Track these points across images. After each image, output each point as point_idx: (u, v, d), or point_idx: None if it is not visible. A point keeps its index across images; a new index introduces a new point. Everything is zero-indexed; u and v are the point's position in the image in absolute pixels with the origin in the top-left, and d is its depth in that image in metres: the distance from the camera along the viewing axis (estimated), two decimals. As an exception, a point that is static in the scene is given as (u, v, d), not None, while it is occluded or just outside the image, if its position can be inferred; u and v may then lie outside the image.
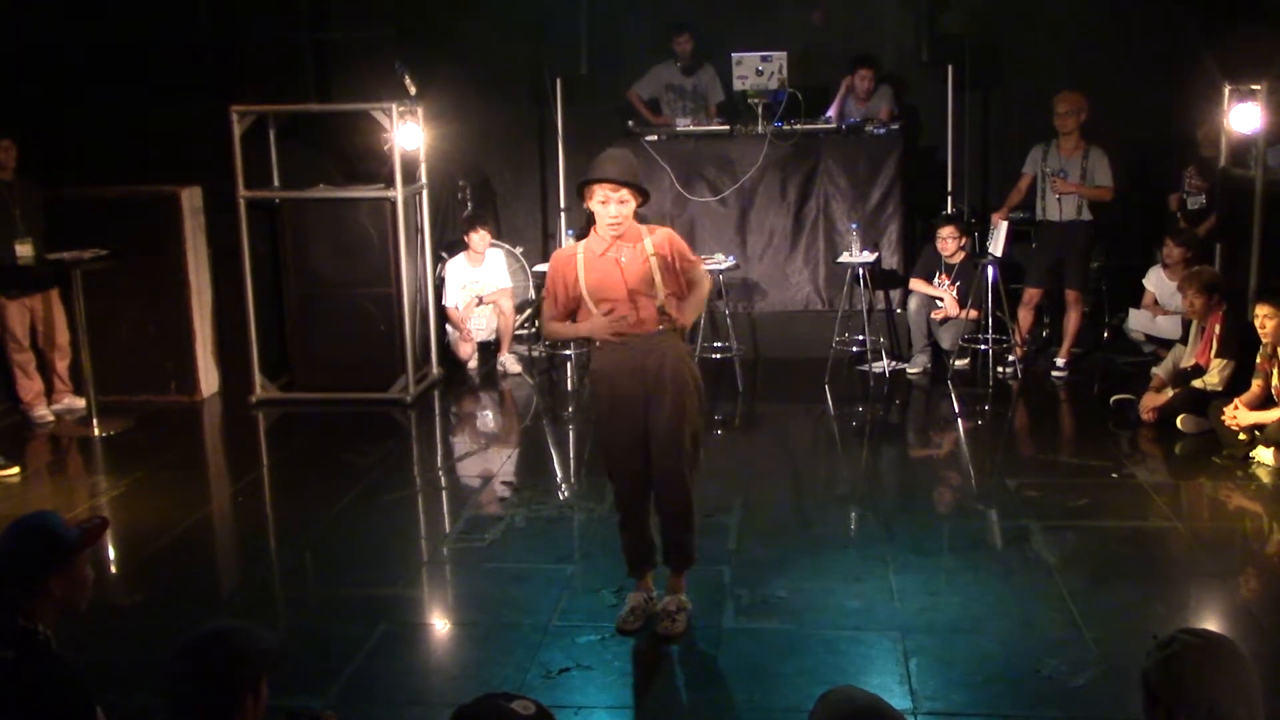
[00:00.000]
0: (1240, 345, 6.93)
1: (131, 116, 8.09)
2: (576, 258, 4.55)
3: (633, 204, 4.47)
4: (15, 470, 6.86)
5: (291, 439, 7.83)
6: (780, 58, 9.02)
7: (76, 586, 3.10)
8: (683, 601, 4.71)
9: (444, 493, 6.72)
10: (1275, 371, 6.60)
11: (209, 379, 8.46)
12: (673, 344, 4.53)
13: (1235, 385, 6.88)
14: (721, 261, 8.76)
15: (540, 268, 9.64)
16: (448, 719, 2.20)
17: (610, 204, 4.42)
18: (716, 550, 5.50)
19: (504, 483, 6.72)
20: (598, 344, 4.56)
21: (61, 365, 8.02)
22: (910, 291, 8.80)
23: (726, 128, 9.25)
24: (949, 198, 9.49)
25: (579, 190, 4.54)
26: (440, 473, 7.16)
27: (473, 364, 9.18)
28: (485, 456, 7.45)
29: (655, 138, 9.26)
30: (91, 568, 3.19)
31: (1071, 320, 8.52)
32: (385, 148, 8.08)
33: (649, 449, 4.53)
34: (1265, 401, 6.62)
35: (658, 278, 4.47)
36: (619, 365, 4.50)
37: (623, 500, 4.71)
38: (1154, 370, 7.54)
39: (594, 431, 4.77)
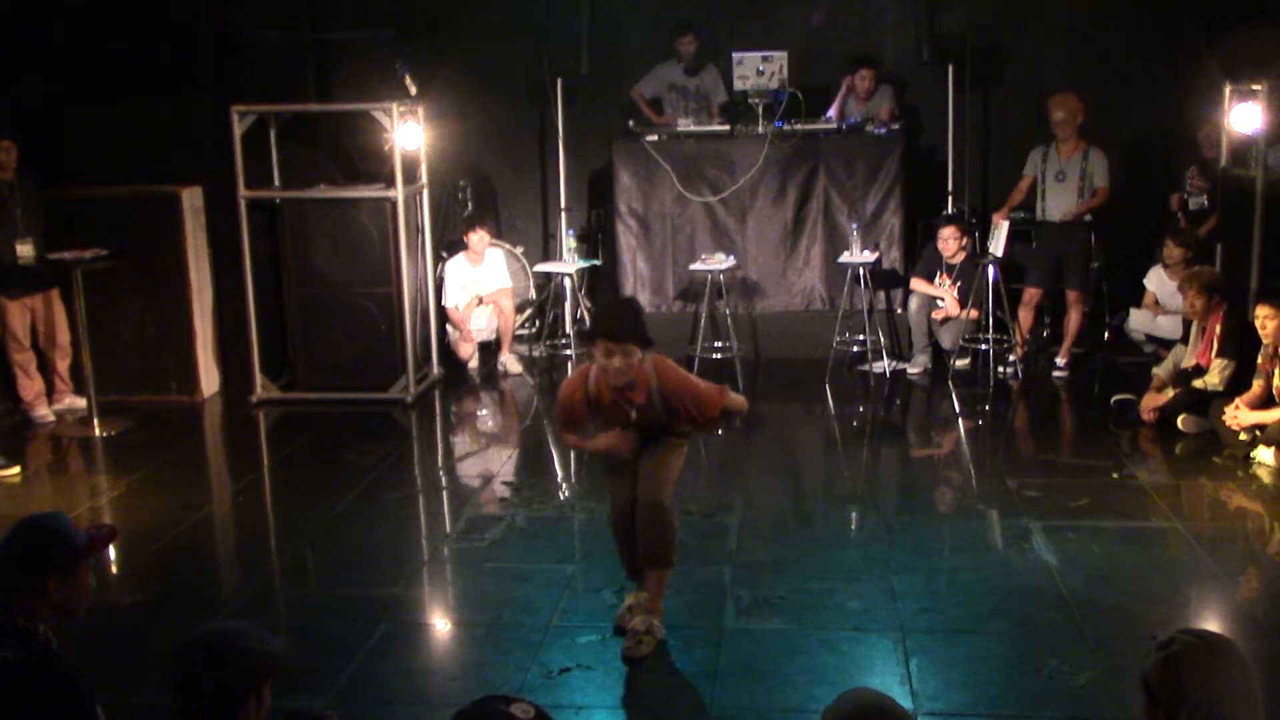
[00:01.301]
0: (1241, 345, 6.93)
1: (132, 116, 8.08)
2: (584, 402, 4.47)
3: (637, 355, 4.31)
4: (16, 470, 6.86)
5: (292, 439, 7.83)
6: (781, 58, 9.03)
7: (76, 592, 3.09)
8: (653, 625, 4.56)
9: (444, 493, 6.73)
10: (1276, 372, 6.60)
11: (209, 379, 8.46)
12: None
13: (1236, 385, 6.87)
14: (722, 261, 8.77)
15: (541, 267, 9.67)
16: None
17: (615, 356, 4.27)
18: (717, 550, 5.52)
19: (504, 483, 6.72)
20: None
21: (62, 365, 8.02)
22: (911, 291, 8.80)
23: (727, 127, 9.25)
24: (949, 197, 9.49)
25: (586, 341, 4.49)
26: (441, 473, 7.17)
27: (473, 364, 9.18)
28: (486, 456, 7.46)
29: (655, 137, 9.25)
30: (94, 575, 3.18)
31: (1072, 320, 8.53)
32: (386, 148, 8.08)
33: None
34: (1266, 401, 6.62)
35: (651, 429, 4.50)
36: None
37: (614, 516, 4.73)
38: (1155, 370, 7.54)
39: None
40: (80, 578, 3.10)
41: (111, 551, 5.70)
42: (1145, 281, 8.79)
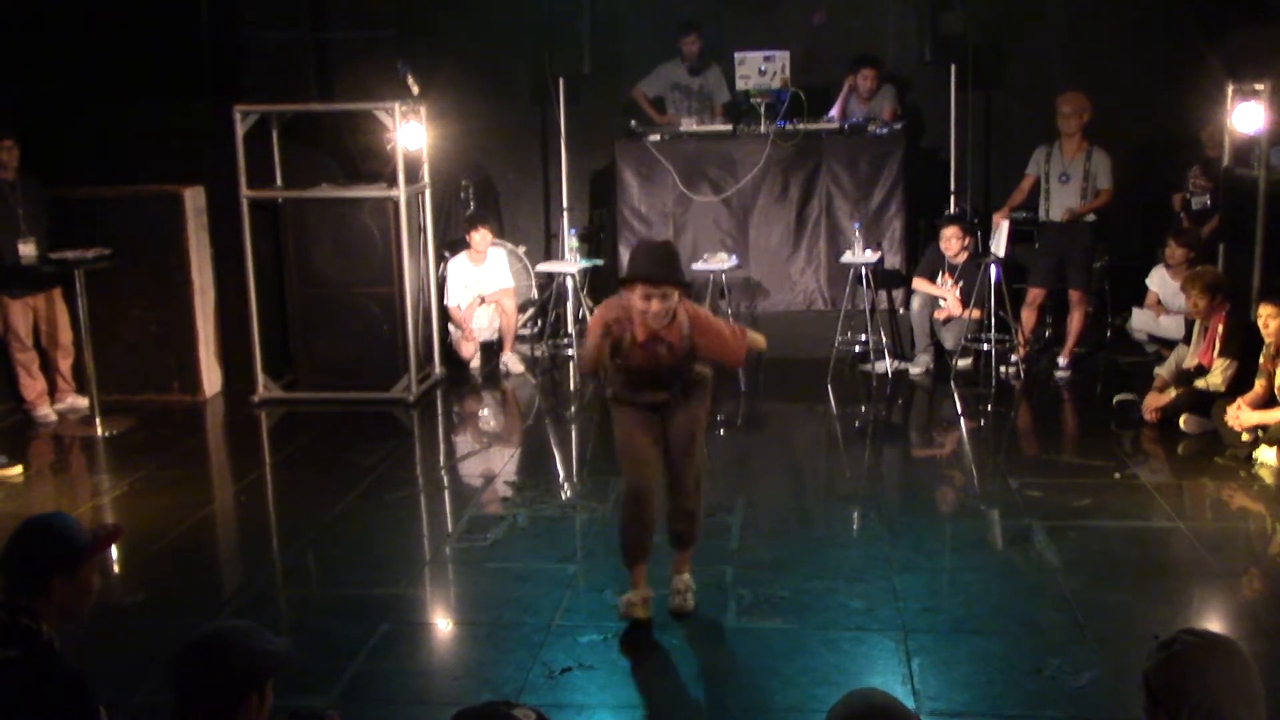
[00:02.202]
0: (1243, 345, 6.92)
1: (134, 116, 8.09)
2: (629, 328, 4.47)
3: (675, 297, 4.38)
4: (18, 470, 6.87)
5: (294, 438, 7.83)
6: (783, 57, 9.03)
7: (80, 593, 3.08)
8: (689, 582, 4.88)
9: (446, 492, 6.73)
10: (1278, 372, 6.60)
11: (212, 378, 8.47)
12: (682, 397, 4.67)
13: (1238, 385, 6.87)
14: (724, 261, 8.76)
15: (543, 267, 9.67)
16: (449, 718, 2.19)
17: (653, 300, 4.33)
18: (719, 550, 5.51)
19: (506, 482, 6.73)
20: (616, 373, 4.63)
21: (64, 365, 8.03)
22: (913, 291, 8.80)
23: (729, 127, 9.25)
24: (952, 197, 9.48)
25: (620, 285, 4.47)
26: (443, 472, 7.16)
27: (475, 363, 9.18)
28: (487, 456, 7.46)
29: (658, 137, 9.25)
30: (99, 577, 3.18)
31: (1074, 320, 8.52)
32: (388, 147, 8.08)
33: (664, 452, 4.70)
34: (1268, 401, 6.61)
35: (684, 365, 4.57)
36: (635, 408, 4.64)
37: (635, 499, 4.69)
38: (1157, 370, 7.54)
39: (613, 437, 4.81)
40: (85, 578, 3.09)
41: (113, 551, 5.71)
42: (1147, 281, 8.78)
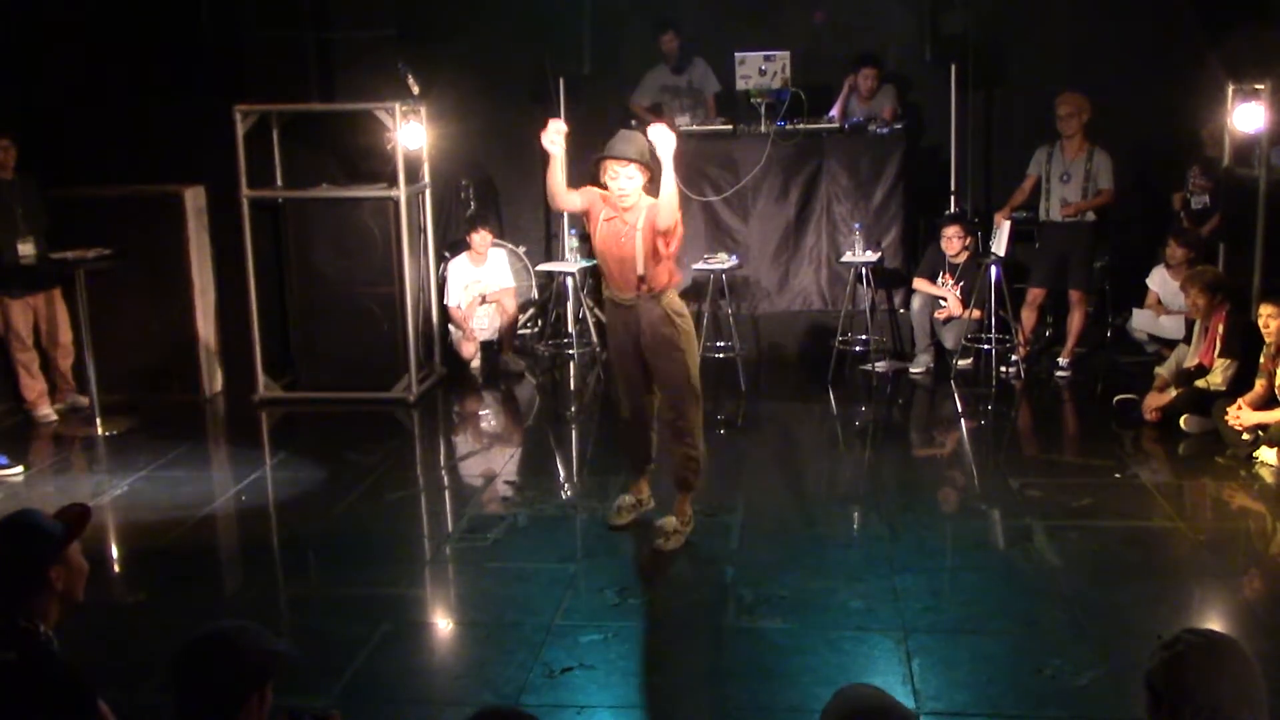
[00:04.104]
0: (1244, 345, 6.92)
1: (134, 116, 8.09)
2: (599, 207, 5.19)
3: (640, 180, 4.93)
4: (19, 470, 6.87)
5: (294, 438, 7.83)
6: (783, 57, 9.01)
7: (75, 576, 3.09)
8: (678, 524, 5.38)
9: (447, 492, 6.73)
10: (1278, 371, 6.60)
11: (212, 378, 8.47)
12: (650, 308, 5.19)
13: (1238, 385, 6.87)
14: (724, 261, 8.75)
15: (544, 266, 9.67)
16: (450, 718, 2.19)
17: (619, 179, 4.96)
18: (719, 549, 5.52)
19: (507, 482, 6.73)
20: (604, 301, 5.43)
21: (65, 364, 8.03)
22: (913, 291, 8.79)
23: (729, 127, 9.23)
24: (952, 197, 9.47)
25: (592, 168, 5.06)
26: (443, 472, 7.17)
27: (475, 363, 9.18)
28: (488, 456, 7.46)
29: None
30: (85, 558, 3.18)
31: (1075, 320, 8.52)
32: (388, 147, 8.08)
33: (650, 389, 5.38)
34: (1269, 401, 6.61)
35: (640, 253, 5.09)
36: (613, 321, 5.35)
37: (626, 418, 5.39)
38: (1157, 370, 7.54)
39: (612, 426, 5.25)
40: (75, 560, 3.09)
41: (114, 550, 5.73)
42: (1148, 281, 8.78)
